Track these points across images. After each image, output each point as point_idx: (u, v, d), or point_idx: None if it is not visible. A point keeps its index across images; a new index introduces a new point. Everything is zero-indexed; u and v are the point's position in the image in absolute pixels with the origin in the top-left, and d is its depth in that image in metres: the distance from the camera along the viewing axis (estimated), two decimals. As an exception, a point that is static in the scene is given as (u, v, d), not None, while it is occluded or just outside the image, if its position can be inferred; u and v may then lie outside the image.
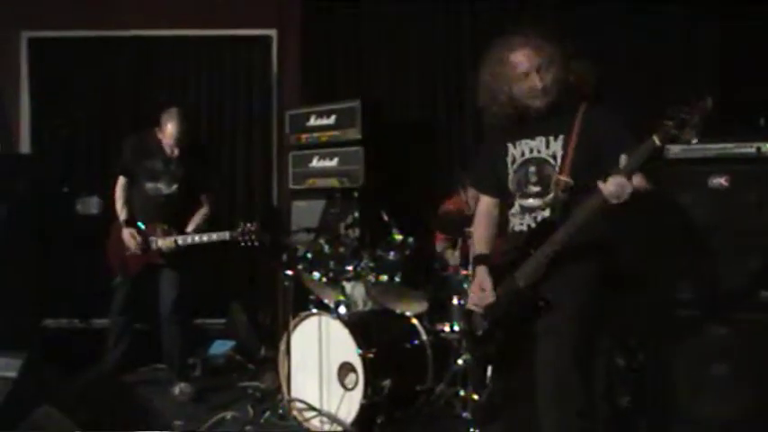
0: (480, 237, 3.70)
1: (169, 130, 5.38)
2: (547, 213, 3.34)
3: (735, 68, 6.12)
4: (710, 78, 6.26)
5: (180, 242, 5.39)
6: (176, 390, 5.54)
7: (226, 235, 5.26)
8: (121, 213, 5.54)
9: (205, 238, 5.35)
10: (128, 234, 5.43)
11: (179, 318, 5.57)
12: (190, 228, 5.51)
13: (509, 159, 3.50)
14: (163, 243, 5.41)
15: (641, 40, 6.46)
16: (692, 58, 6.35)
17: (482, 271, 3.53)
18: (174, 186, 5.49)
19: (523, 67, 3.33)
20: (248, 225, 5.21)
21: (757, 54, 6.00)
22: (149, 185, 5.49)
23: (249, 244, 5.22)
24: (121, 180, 5.60)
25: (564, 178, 3.25)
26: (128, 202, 5.57)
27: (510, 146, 3.49)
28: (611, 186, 2.93)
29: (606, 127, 3.26)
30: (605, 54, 6.24)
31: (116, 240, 5.50)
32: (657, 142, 2.86)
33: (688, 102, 2.82)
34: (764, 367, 4.21)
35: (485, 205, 3.73)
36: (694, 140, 2.81)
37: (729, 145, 4.38)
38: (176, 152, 5.43)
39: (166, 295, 5.54)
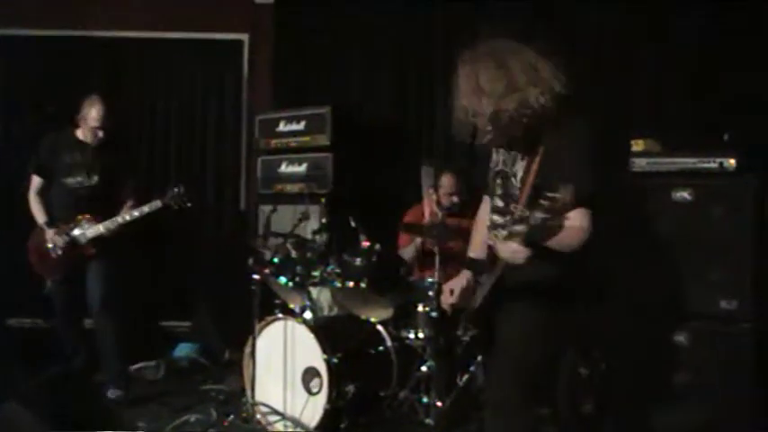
0: (473, 242, 3.69)
1: (92, 114, 5.22)
2: (505, 233, 3.04)
3: (705, 81, 6.19)
4: (679, 92, 6.34)
5: (110, 225, 5.23)
6: (109, 393, 5.32)
7: (157, 203, 5.19)
8: (39, 216, 5.38)
9: (136, 213, 5.23)
10: (51, 234, 5.27)
11: (109, 315, 5.34)
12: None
13: (491, 164, 3.45)
14: (90, 231, 5.24)
15: (614, 44, 6.54)
16: (664, 65, 6.40)
17: (462, 274, 3.53)
18: (96, 177, 5.32)
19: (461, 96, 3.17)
20: (176, 189, 5.19)
21: (730, 67, 6.09)
22: (69, 180, 5.32)
23: (181, 206, 5.19)
24: (36, 181, 5.41)
25: (519, 207, 2.99)
26: (46, 202, 5.39)
27: (494, 150, 3.42)
28: (503, 252, 2.90)
29: (562, 159, 3.00)
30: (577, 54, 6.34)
31: (39, 244, 5.34)
32: (532, 222, 2.69)
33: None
34: (724, 376, 4.29)
35: (484, 208, 3.67)
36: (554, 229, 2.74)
37: (693, 159, 4.47)
38: (99, 135, 5.26)
39: (93, 290, 5.31)
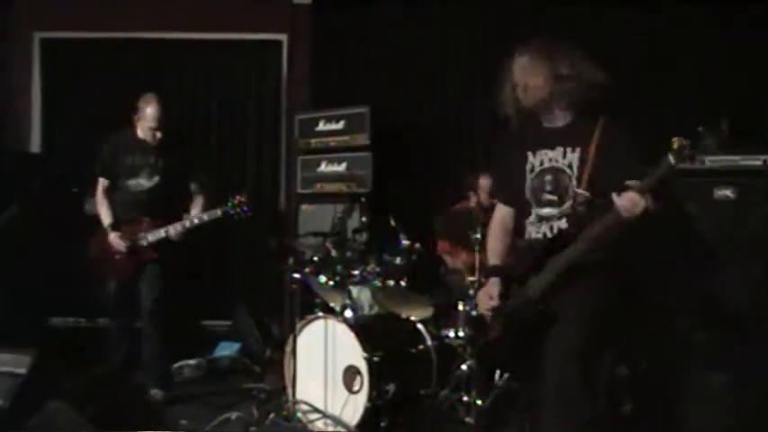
0: (494, 249, 3.74)
1: (149, 113, 5.24)
2: (563, 223, 3.38)
3: (746, 81, 6.14)
4: (721, 91, 6.29)
5: (171, 231, 5.22)
6: (152, 393, 5.32)
7: (217, 212, 5.14)
8: (106, 218, 5.38)
9: (196, 221, 5.21)
10: (114, 237, 5.28)
11: (160, 317, 5.35)
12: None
13: (528, 168, 3.53)
14: (152, 236, 5.25)
15: (650, 49, 6.50)
16: (704, 71, 6.36)
17: (492, 281, 3.58)
18: (156, 178, 5.32)
19: (516, 80, 3.48)
20: (238, 197, 5.11)
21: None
22: (131, 182, 5.33)
23: (243, 216, 5.11)
24: (102, 182, 5.43)
25: (581, 191, 3.29)
26: (111, 204, 5.40)
27: (530, 154, 3.53)
28: (625, 201, 2.99)
29: (623, 143, 3.28)
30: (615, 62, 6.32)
31: (102, 246, 5.34)
32: (672, 161, 2.89)
33: (704, 125, 2.84)
34: (766, 378, 4.25)
35: (500, 215, 3.76)
36: (707, 160, 2.86)
37: (736, 157, 4.43)
38: (158, 136, 5.27)
39: (148, 293, 5.31)
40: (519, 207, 3.63)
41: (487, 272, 3.70)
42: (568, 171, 3.38)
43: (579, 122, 3.41)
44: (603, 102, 3.34)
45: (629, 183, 3.01)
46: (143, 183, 5.33)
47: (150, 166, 5.32)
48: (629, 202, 2.98)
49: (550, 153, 3.45)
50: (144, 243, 5.27)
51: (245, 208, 5.11)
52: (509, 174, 3.65)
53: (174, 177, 5.38)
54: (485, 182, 5.63)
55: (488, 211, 5.40)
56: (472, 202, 5.73)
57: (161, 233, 5.23)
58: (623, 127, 3.34)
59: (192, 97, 7.65)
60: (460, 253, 5.74)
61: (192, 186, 5.47)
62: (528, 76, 3.42)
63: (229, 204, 5.11)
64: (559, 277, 3.28)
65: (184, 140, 5.71)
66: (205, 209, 5.33)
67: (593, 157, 3.28)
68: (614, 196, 3.03)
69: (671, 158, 2.87)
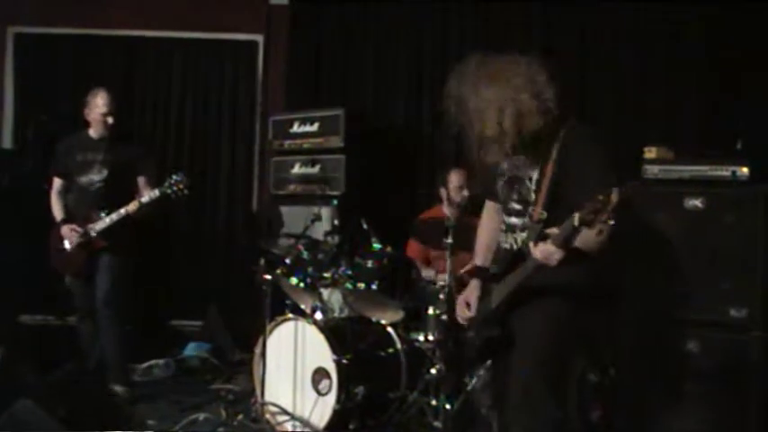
0: (481, 245, 3.71)
1: (98, 101, 5.35)
2: (524, 235, 3.28)
3: (716, 89, 6.20)
4: (692, 98, 6.35)
5: (114, 217, 5.25)
6: (114, 389, 5.33)
7: (156, 193, 5.21)
8: (58, 214, 5.50)
9: (134, 204, 5.24)
10: (66, 229, 5.37)
11: (111, 309, 5.37)
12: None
13: (499, 171, 3.49)
14: (99, 224, 5.30)
15: (625, 52, 6.56)
16: (675, 76, 6.41)
17: (473, 285, 3.57)
18: (105, 172, 5.39)
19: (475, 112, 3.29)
20: (174, 177, 5.20)
21: (739, 76, 6.10)
22: (83, 179, 5.42)
23: (179, 195, 5.19)
24: (56, 182, 5.55)
25: (538, 209, 3.20)
26: (65, 201, 5.51)
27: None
28: (539, 253, 2.99)
29: (579, 160, 3.17)
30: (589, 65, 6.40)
31: (57, 241, 5.43)
32: (576, 223, 2.82)
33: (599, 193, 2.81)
34: (734, 385, 4.29)
35: (488, 209, 3.72)
36: (603, 229, 2.83)
37: (705, 167, 4.48)
38: (110, 122, 5.36)
39: (101, 282, 5.38)
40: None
41: (470, 273, 3.69)
42: (528, 183, 3.32)
43: (541, 134, 3.23)
44: (568, 111, 3.30)
45: (548, 231, 2.96)
46: (94, 178, 5.41)
47: (100, 162, 5.40)
48: (542, 253, 2.97)
49: (518, 160, 3.37)
50: (93, 234, 5.32)
51: (182, 186, 5.19)
52: (487, 170, 3.58)
53: (121, 170, 5.44)
54: (455, 176, 5.61)
55: (458, 206, 5.46)
56: (444, 206, 5.71)
57: (105, 221, 5.28)
58: (584, 139, 3.23)
59: (166, 96, 7.62)
60: (432, 257, 5.75)
61: (140, 179, 5.50)
62: (476, 117, 3.26)
63: (166, 185, 5.19)
64: (512, 294, 3.28)
65: (131, 135, 5.82)
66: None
67: (550, 175, 3.20)
68: (531, 246, 3.04)
69: (575, 220, 2.80)
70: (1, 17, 7.52)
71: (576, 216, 2.80)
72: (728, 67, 6.12)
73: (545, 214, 3.12)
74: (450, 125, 3.41)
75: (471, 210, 5.35)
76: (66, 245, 5.38)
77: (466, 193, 5.52)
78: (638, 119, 6.36)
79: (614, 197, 2.68)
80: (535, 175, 3.28)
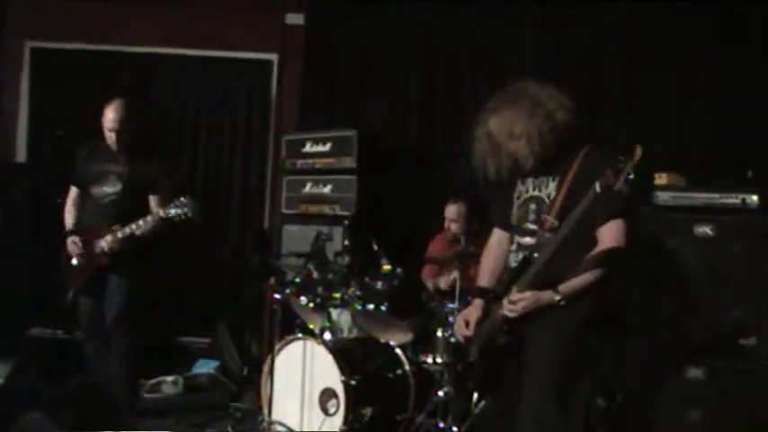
0: (484, 269, 3.76)
1: (108, 116, 5.13)
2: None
3: (729, 119, 6.21)
4: (704, 127, 6.37)
5: (120, 235, 5.00)
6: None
7: (158, 215, 4.97)
8: (68, 224, 5.33)
9: (141, 223, 4.99)
10: (69, 242, 5.18)
11: (120, 330, 5.20)
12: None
13: (515, 195, 3.59)
14: (105, 242, 5.05)
15: (640, 78, 6.58)
16: (690, 100, 6.44)
17: (475, 305, 3.61)
18: (119, 186, 5.19)
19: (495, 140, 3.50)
20: (181, 199, 4.94)
21: (751, 105, 6.11)
22: (96, 190, 5.24)
23: (183, 218, 4.93)
24: (72, 191, 5.40)
25: (549, 218, 3.30)
26: (78, 212, 5.35)
27: (519, 182, 3.58)
28: (508, 305, 3.29)
29: (601, 170, 3.17)
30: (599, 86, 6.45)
31: (67, 254, 5.25)
32: (598, 189, 2.98)
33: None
34: (740, 414, 4.28)
35: (495, 238, 3.79)
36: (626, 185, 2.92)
37: (715, 195, 4.49)
38: (114, 139, 5.14)
39: (111, 305, 5.19)
40: (510, 232, 3.66)
41: (473, 293, 3.73)
42: (546, 201, 3.41)
43: (562, 153, 3.40)
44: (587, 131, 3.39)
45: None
46: (107, 190, 5.23)
47: (116, 174, 5.23)
48: (521, 303, 3.24)
49: (536, 181, 3.49)
50: (97, 250, 5.11)
51: (186, 210, 4.94)
52: (502, 198, 3.70)
53: (136, 186, 5.23)
54: (452, 209, 5.65)
55: (455, 236, 5.49)
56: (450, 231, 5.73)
57: (108, 239, 5.05)
58: (604, 158, 3.25)
59: (180, 113, 7.66)
60: (447, 276, 5.73)
61: (152, 198, 5.29)
62: (505, 139, 3.44)
63: (171, 208, 4.95)
64: (539, 275, 3.31)
65: (153, 151, 5.52)
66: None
67: (567, 185, 3.31)
68: (514, 291, 3.26)
69: (597, 187, 3.00)
70: (18, 32, 7.59)
71: (597, 183, 2.98)
72: (739, 93, 6.15)
73: (556, 223, 3.24)
74: (471, 153, 3.63)
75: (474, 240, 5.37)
76: (70, 256, 5.21)
77: (455, 226, 5.57)
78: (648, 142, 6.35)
79: (638, 152, 2.79)
80: (553, 192, 3.39)
